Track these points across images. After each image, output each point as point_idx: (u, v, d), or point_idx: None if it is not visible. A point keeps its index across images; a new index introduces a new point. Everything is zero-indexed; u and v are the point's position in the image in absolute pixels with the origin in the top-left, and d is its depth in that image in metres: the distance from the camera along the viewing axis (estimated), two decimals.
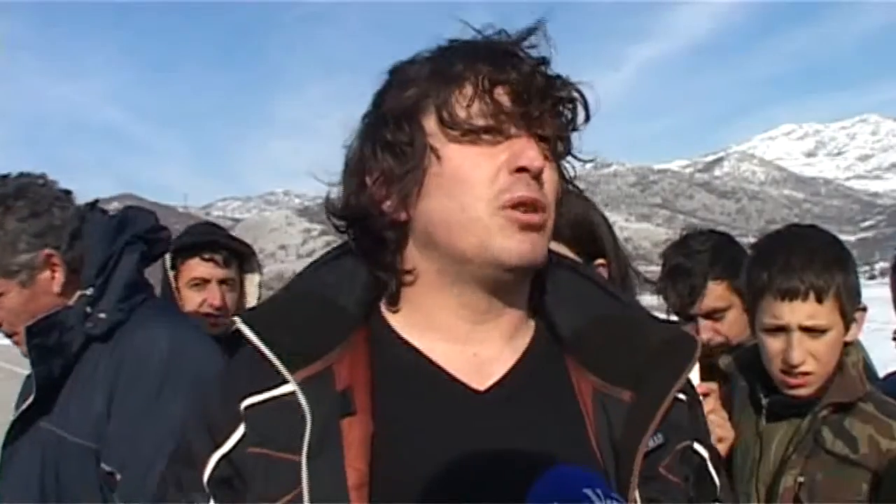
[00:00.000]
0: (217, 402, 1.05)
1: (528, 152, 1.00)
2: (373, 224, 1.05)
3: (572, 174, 1.11)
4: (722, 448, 1.86)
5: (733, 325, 2.42)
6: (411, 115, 1.02)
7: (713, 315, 2.44)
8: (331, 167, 1.08)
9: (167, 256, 2.62)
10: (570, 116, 1.05)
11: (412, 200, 1.02)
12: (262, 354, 1.00)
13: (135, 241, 1.94)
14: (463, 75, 1.01)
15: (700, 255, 2.47)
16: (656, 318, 1.15)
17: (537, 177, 1.00)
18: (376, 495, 0.94)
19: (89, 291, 1.87)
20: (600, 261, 1.81)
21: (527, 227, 0.99)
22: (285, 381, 0.99)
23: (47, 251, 1.86)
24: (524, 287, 1.08)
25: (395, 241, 1.05)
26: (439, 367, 1.04)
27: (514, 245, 0.99)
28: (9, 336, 1.92)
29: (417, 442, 0.98)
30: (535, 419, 1.02)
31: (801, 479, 1.78)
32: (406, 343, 1.06)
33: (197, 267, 2.66)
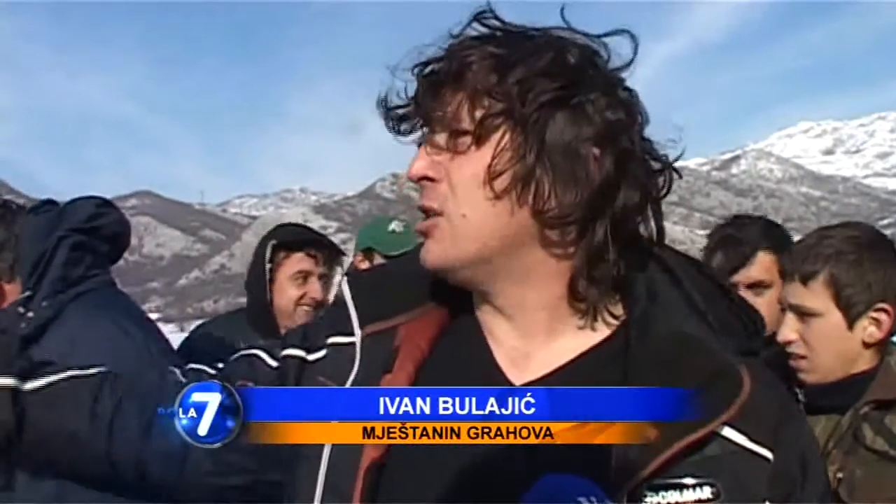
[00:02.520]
0: (318, 324, 1.20)
1: (413, 160, 1.03)
2: None
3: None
4: None
5: (769, 307, 2.31)
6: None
7: (755, 287, 2.40)
8: None
9: (268, 249, 2.85)
10: (476, 87, 0.98)
11: None
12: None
13: (69, 234, 1.86)
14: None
15: (751, 226, 2.49)
16: (722, 344, 1.03)
17: (425, 180, 1.02)
18: (393, 448, 0.99)
19: (27, 293, 1.82)
20: None
21: (421, 234, 1.04)
22: (353, 333, 1.10)
23: None
24: (532, 288, 1.04)
25: None
26: (489, 352, 1.07)
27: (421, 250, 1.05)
28: None
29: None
30: None
31: (840, 475, 1.76)
32: (477, 325, 1.09)
33: (302, 261, 2.87)
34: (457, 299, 1.10)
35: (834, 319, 1.81)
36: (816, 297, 1.81)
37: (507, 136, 0.98)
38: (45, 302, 1.79)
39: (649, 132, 1.03)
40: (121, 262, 2.08)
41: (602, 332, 1.06)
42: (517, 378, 1.03)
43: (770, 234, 2.46)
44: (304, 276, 2.85)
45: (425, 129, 1.03)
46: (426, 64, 1.01)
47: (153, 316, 2.72)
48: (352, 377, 1.05)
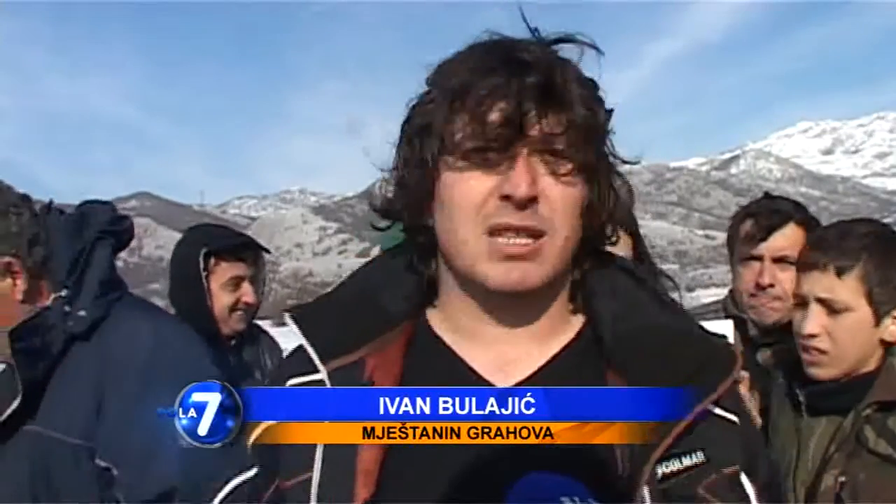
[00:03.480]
0: (278, 374, 1.15)
1: (514, 179, 0.97)
2: (410, 224, 1.10)
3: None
4: None
5: (793, 284, 2.21)
6: (424, 134, 1.04)
7: (781, 262, 2.34)
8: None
9: (201, 258, 2.72)
10: (588, 123, 1.00)
11: (429, 211, 1.06)
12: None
13: (104, 235, 1.94)
14: (462, 93, 1.00)
15: (785, 201, 2.51)
16: (702, 329, 1.12)
17: (530, 201, 0.98)
18: (385, 479, 0.98)
19: (64, 292, 1.85)
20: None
21: (512, 257, 0.99)
22: (318, 370, 1.06)
23: (6, 259, 1.82)
24: (551, 296, 1.08)
25: (427, 244, 1.09)
26: (466, 365, 1.06)
27: (499, 273, 0.99)
28: None
29: None
30: None
31: (842, 478, 1.75)
32: (440, 341, 1.09)
33: (234, 267, 2.78)
34: (411, 317, 1.12)
35: (863, 315, 1.80)
36: (850, 291, 1.79)
37: (601, 175, 1.05)
38: (98, 301, 1.87)
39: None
40: (121, 264, 2.12)
41: (572, 328, 1.11)
42: (502, 382, 1.04)
43: (802, 211, 2.46)
44: (237, 281, 2.77)
45: (522, 144, 0.99)
46: (521, 75, 0.98)
47: None
48: None
